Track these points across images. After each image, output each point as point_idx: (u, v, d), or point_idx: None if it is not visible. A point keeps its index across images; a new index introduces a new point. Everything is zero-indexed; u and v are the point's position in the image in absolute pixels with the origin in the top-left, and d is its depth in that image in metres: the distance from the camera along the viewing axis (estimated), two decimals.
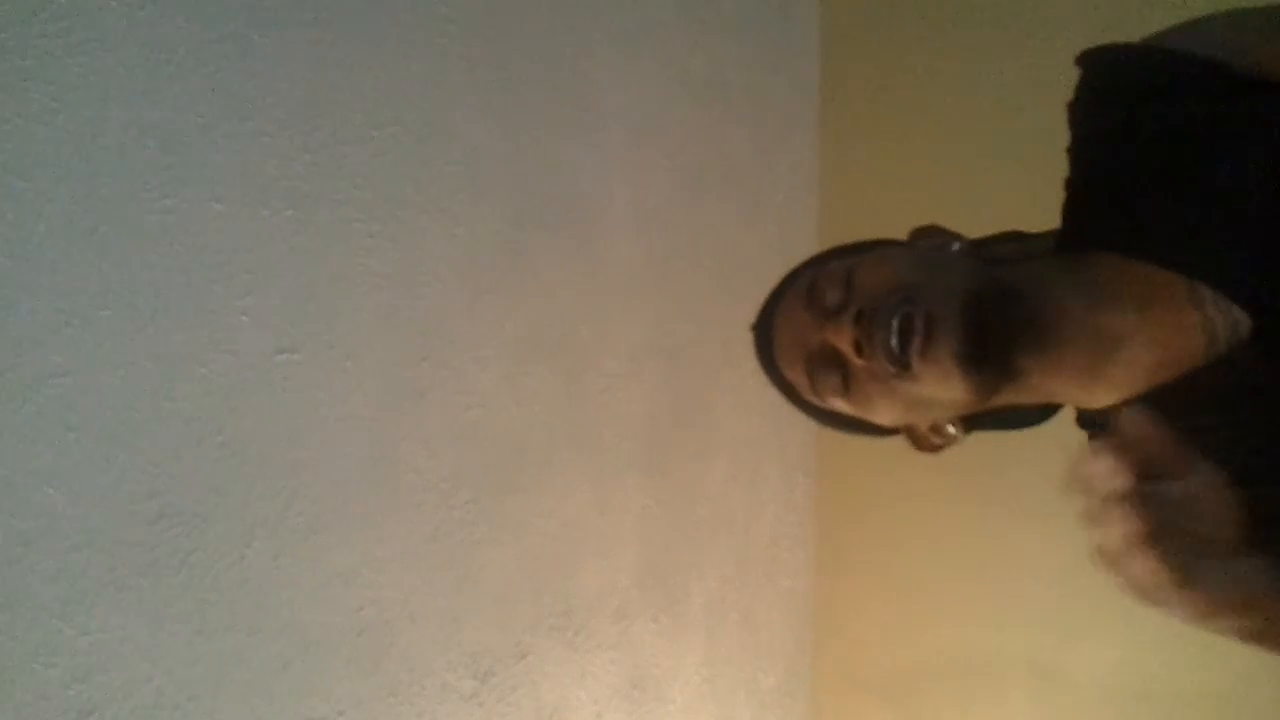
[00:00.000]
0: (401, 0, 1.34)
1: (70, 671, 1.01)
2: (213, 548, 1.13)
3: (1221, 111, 0.77)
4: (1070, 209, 0.87)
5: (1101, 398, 0.80)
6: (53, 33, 0.98)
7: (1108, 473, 0.58)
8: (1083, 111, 0.87)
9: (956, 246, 0.88)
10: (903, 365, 0.77)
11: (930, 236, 0.91)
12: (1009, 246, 0.89)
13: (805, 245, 2.21)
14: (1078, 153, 0.87)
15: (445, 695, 1.41)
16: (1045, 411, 0.89)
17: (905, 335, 0.77)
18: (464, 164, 1.44)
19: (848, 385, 0.83)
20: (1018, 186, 1.96)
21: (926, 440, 0.90)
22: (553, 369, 1.59)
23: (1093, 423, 0.84)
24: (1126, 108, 0.82)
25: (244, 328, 1.16)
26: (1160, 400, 0.75)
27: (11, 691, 0.97)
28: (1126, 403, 0.78)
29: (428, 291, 1.38)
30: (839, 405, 0.86)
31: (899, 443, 0.92)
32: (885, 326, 0.77)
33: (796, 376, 0.88)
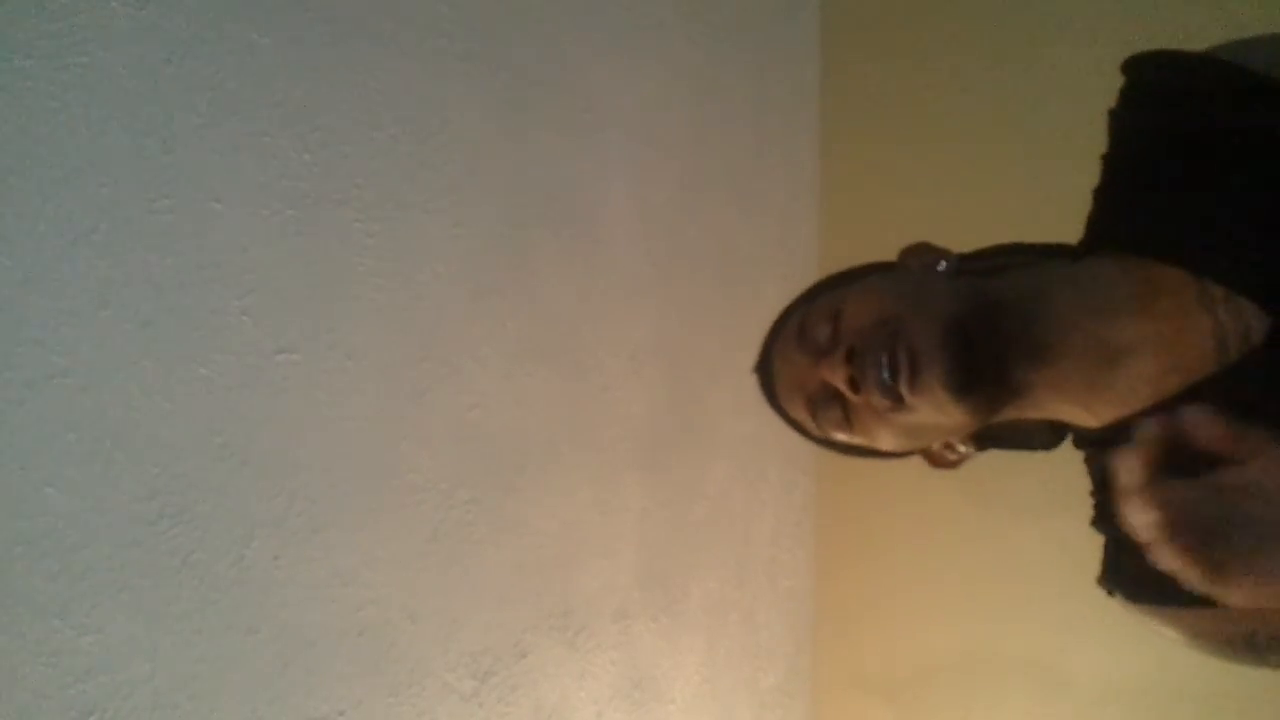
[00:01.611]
0: (401, 0, 1.34)
1: (70, 671, 1.01)
2: (213, 548, 1.13)
3: (1258, 120, 0.75)
4: (1094, 217, 0.85)
5: (1103, 413, 0.79)
6: (53, 33, 0.98)
7: (1126, 468, 0.58)
8: (1124, 116, 0.86)
9: (943, 265, 0.88)
10: (896, 399, 0.78)
11: (919, 255, 0.91)
12: (1002, 259, 0.89)
13: (805, 245, 2.21)
14: (1113, 159, 0.85)
15: (445, 695, 1.41)
16: (1055, 436, 0.88)
17: (894, 370, 0.78)
18: (464, 164, 1.44)
19: (849, 419, 0.84)
20: (1017, 187, 1.96)
21: (942, 458, 0.91)
22: (553, 369, 1.59)
23: (1089, 442, 0.82)
24: (1167, 110, 0.81)
25: (244, 328, 1.16)
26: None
27: (11, 691, 0.97)
28: (1127, 420, 0.76)
29: (428, 291, 1.38)
30: (844, 438, 0.87)
31: None
32: (876, 364, 0.78)
33: (800, 415, 0.90)
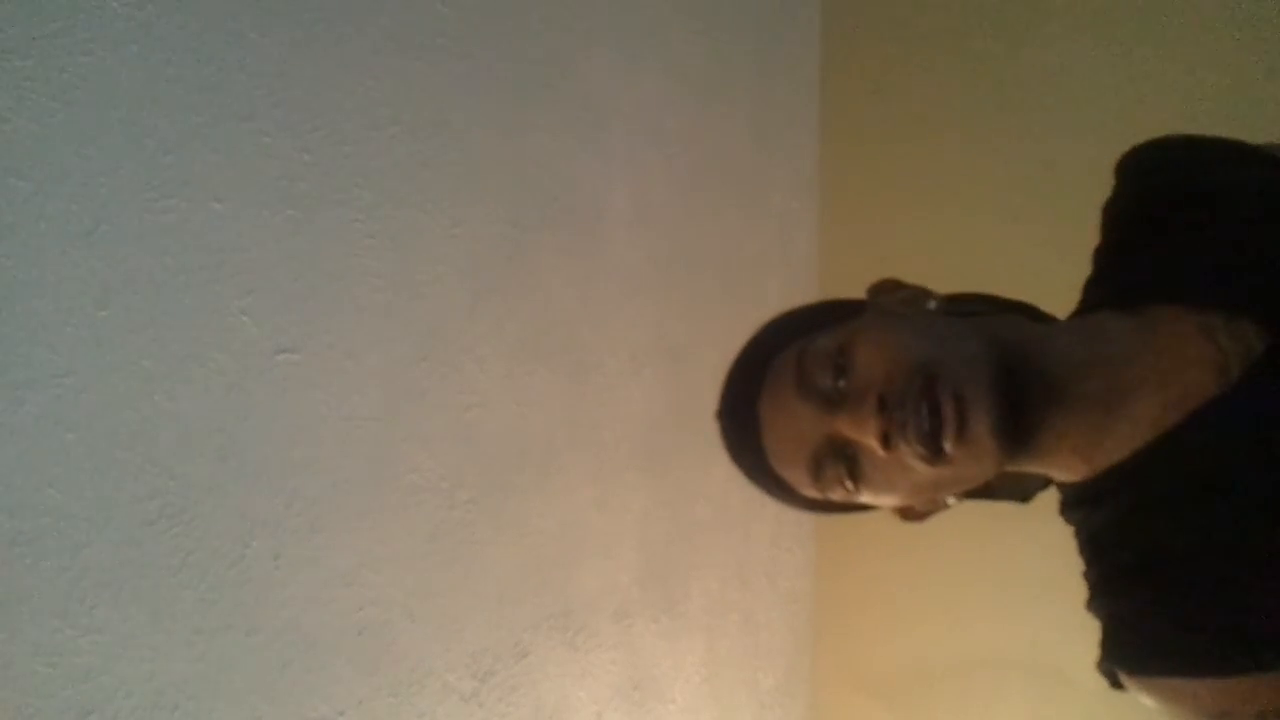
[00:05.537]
0: (401, 0, 1.34)
1: (70, 671, 1.01)
2: (213, 548, 1.13)
3: (1252, 179, 0.77)
4: (1086, 295, 0.84)
5: (1099, 460, 0.76)
6: (53, 33, 0.98)
7: None
8: (1118, 202, 0.85)
9: (933, 305, 0.83)
10: (937, 453, 0.71)
11: (890, 292, 0.85)
12: (975, 306, 0.85)
13: (805, 245, 2.21)
14: (1106, 246, 0.85)
15: (445, 695, 1.41)
16: (1034, 489, 0.87)
17: (938, 421, 0.71)
18: (464, 164, 1.44)
19: (858, 476, 0.76)
20: (1017, 186, 1.96)
21: (915, 512, 0.85)
22: (553, 369, 1.59)
23: (1075, 503, 0.80)
24: (1161, 179, 0.81)
25: (244, 328, 1.16)
26: (1165, 450, 0.72)
27: (11, 691, 0.97)
28: (1119, 465, 0.75)
29: (428, 291, 1.38)
30: (842, 498, 0.79)
31: None
32: (916, 413, 0.71)
33: (795, 474, 0.80)
